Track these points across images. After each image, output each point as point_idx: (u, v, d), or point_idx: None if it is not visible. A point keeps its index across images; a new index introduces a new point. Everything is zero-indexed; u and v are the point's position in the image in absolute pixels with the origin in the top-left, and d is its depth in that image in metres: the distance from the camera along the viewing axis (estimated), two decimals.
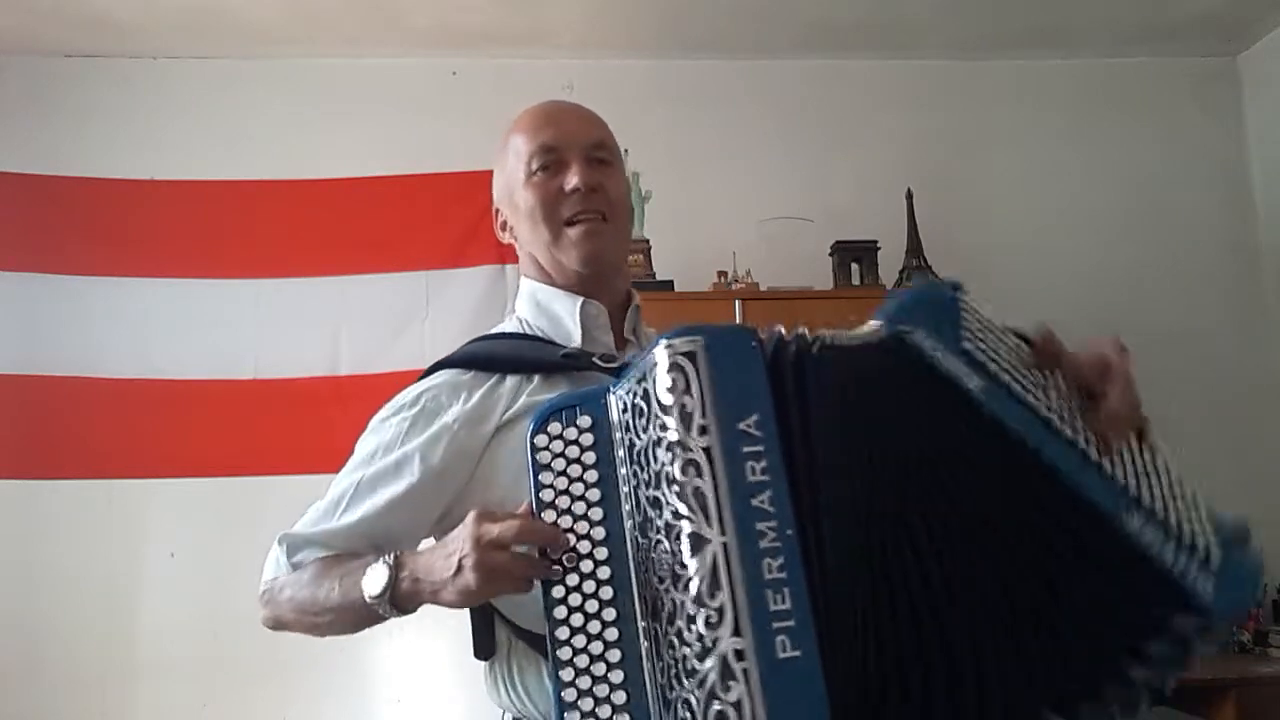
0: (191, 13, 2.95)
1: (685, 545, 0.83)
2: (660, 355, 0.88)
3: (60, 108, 3.13)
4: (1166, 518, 0.88)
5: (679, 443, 0.85)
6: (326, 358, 3.00)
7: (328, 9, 2.96)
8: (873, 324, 0.96)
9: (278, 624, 1.10)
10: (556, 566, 0.88)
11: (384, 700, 2.89)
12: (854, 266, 2.90)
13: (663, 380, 0.87)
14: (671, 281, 2.84)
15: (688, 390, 0.86)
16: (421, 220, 3.02)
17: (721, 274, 2.89)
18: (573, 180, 1.15)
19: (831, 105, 3.30)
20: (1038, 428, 0.91)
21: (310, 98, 3.19)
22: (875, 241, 2.91)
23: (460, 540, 0.90)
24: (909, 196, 2.97)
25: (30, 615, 2.85)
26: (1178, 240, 3.25)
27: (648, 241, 2.86)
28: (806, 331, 0.92)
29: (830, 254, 2.94)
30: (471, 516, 0.90)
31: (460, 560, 0.89)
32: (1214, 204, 3.30)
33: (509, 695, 1.08)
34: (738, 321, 2.68)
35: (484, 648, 1.07)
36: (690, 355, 0.87)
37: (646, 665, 0.85)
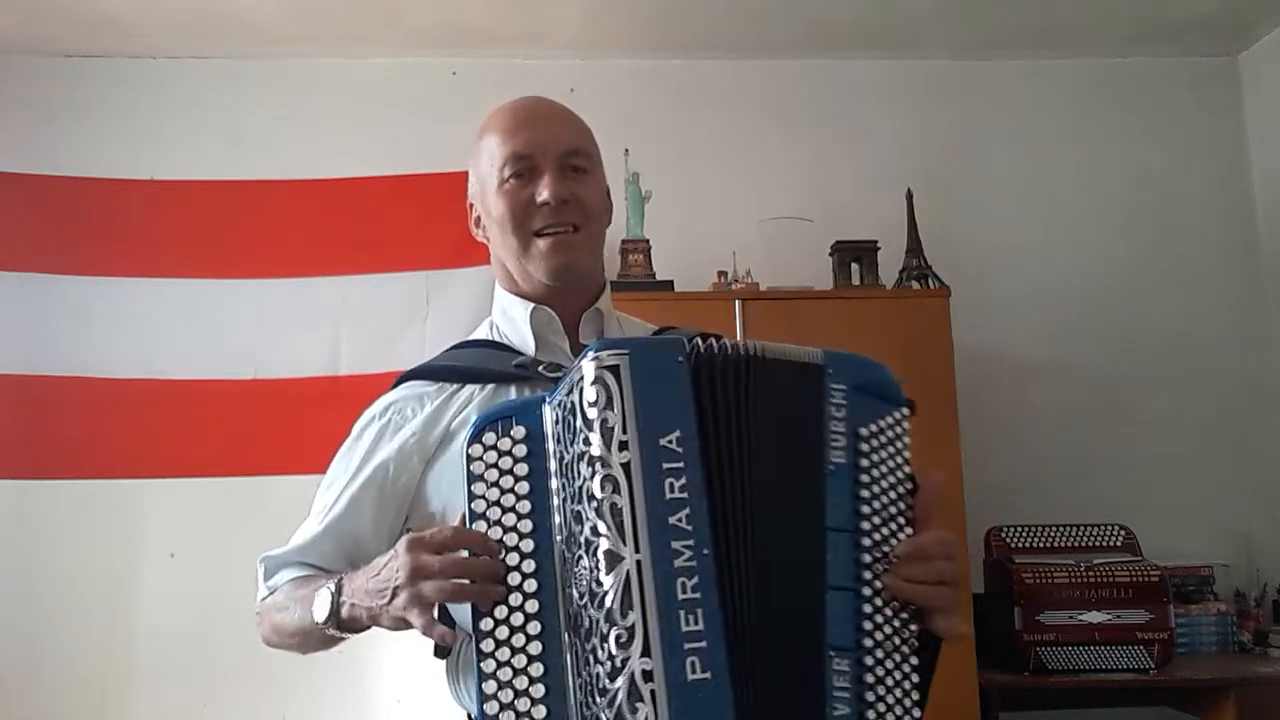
0: (191, 13, 2.95)
1: (601, 562, 0.83)
2: (587, 368, 0.88)
3: (60, 108, 3.12)
4: (871, 687, 0.88)
5: (599, 458, 0.85)
6: (326, 358, 2.99)
7: (328, 9, 2.95)
8: (813, 349, 0.96)
9: (269, 645, 1.15)
10: (493, 587, 0.87)
11: (384, 701, 2.88)
12: (854, 266, 2.89)
13: (587, 394, 0.87)
14: (671, 281, 2.83)
15: (609, 405, 0.86)
16: (421, 220, 3.01)
17: (721, 274, 2.88)
18: (544, 193, 1.12)
19: (831, 105, 3.30)
20: (845, 535, 0.90)
21: (310, 98, 3.19)
22: (875, 241, 2.91)
23: (393, 568, 0.90)
24: (909, 196, 2.97)
25: (30, 615, 2.84)
26: (1178, 240, 3.25)
27: (648, 241, 2.86)
28: (728, 343, 0.93)
29: (830, 254, 2.93)
30: (404, 544, 0.90)
31: (394, 589, 0.90)
32: (1214, 204, 3.29)
33: (459, 695, 1.09)
34: (737, 322, 2.68)
35: (442, 648, 1.08)
36: (614, 369, 0.87)
37: (569, 679, 0.84)
